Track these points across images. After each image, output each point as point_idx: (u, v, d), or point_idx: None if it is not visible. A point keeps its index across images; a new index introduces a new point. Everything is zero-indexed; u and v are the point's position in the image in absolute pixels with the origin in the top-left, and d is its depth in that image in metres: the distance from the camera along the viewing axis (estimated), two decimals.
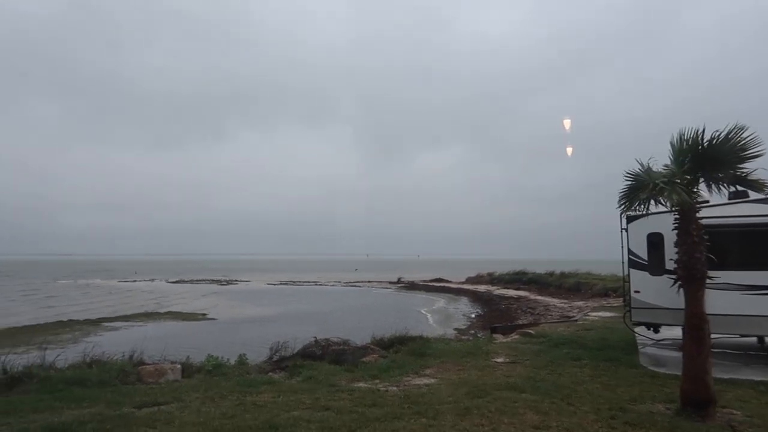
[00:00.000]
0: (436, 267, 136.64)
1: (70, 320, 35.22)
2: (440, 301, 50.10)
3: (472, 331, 26.90)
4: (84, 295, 60.20)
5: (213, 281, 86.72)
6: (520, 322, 26.06)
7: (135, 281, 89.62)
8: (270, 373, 10.62)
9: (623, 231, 13.14)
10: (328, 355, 11.77)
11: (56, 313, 39.86)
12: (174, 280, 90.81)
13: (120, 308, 43.92)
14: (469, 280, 66.15)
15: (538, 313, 31.62)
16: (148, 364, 10.40)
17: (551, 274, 50.03)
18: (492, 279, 61.35)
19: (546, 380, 9.44)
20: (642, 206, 7.74)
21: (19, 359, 10.35)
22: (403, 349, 12.56)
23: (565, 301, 36.09)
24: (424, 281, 73.53)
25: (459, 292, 57.51)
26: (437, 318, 37.30)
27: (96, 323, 34.19)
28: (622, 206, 7.96)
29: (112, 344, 13.39)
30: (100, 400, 8.02)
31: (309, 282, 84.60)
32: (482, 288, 55.80)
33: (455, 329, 28.85)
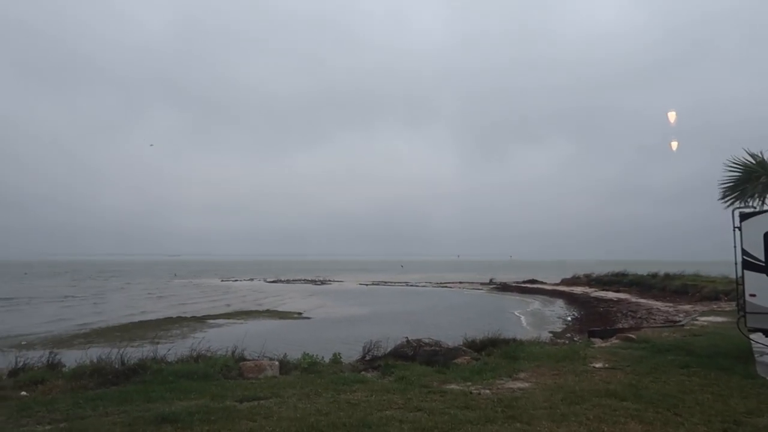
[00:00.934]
0: (529, 268, 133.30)
1: (179, 317, 37.69)
2: (534, 303, 48.85)
3: (568, 335, 26.00)
4: (192, 293, 64.23)
5: (308, 281, 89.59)
6: (620, 326, 24.86)
7: (236, 280, 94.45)
8: (363, 372, 10.78)
9: (736, 230, 12.13)
10: (419, 356, 11.77)
11: (171, 309, 42.86)
12: (271, 279, 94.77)
13: (222, 306, 46.45)
14: (565, 282, 64.07)
15: (639, 317, 30.11)
16: (249, 360, 10.90)
17: (654, 275, 47.45)
18: (589, 280, 59.13)
19: (649, 388, 8.90)
20: (759, 201, 7.11)
21: (134, 352, 11.20)
22: (495, 352, 12.33)
23: (670, 304, 34.13)
24: (517, 282, 72.04)
25: (554, 293, 55.88)
26: (531, 320, 36.37)
27: (201, 320, 36.34)
28: (728, 200, 7.32)
29: (215, 340, 14.15)
30: (206, 393, 8.49)
31: (400, 282, 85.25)
32: (579, 290, 53.89)
33: (550, 332, 27.97)
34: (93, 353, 11.00)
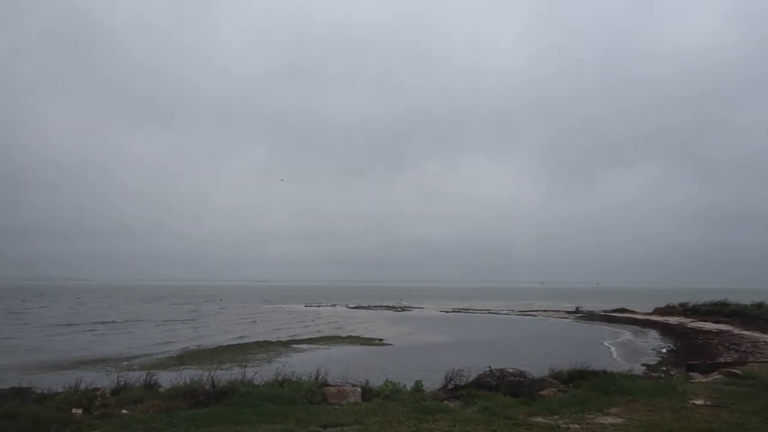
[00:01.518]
0: (617, 296, 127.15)
1: (266, 341, 38.83)
2: (625, 334, 46.47)
3: (664, 368, 24.51)
4: (279, 318, 66.13)
5: (389, 308, 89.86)
6: (722, 359, 23.18)
7: (319, 305, 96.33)
8: (445, 401, 10.64)
9: None
10: (503, 386, 11.47)
11: (261, 334, 44.35)
12: (353, 305, 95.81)
13: (306, 331, 47.44)
14: (658, 311, 60.60)
15: (744, 351, 27.98)
16: (332, 386, 11.04)
17: (759, 305, 44.06)
18: (685, 310, 55.71)
19: (758, 429, 8.19)
20: None
21: (224, 375, 11.66)
22: (584, 384, 11.78)
23: None
24: (605, 311, 68.95)
25: (646, 323, 52.99)
26: (622, 352, 34.58)
27: (286, 345, 37.26)
28: None
29: (300, 365, 14.47)
30: (291, 418, 8.67)
31: (482, 310, 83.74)
32: (673, 320, 50.88)
33: (643, 365, 26.48)
34: (186, 375, 11.57)
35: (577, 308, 75.93)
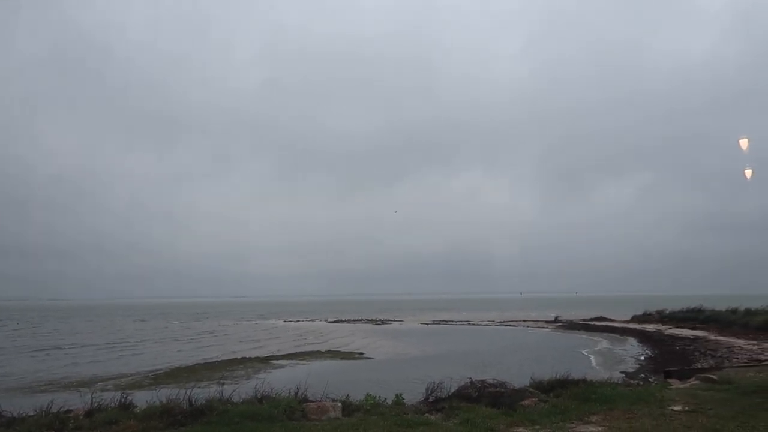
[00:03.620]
0: (596, 305, 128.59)
1: (243, 358, 38.30)
2: (603, 342, 46.95)
3: (642, 375, 24.77)
4: (257, 334, 65.34)
5: (369, 321, 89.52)
6: (698, 365, 23.50)
7: (299, 321, 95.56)
8: (426, 414, 10.56)
9: None
10: (484, 398, 11.43)
11: (237, 350, 43.72)
12: (333, 320, 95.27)
13: (286, 347, 46.95)
14: (635, 319, 61.38)
15: (720, 356, 28.40)
16: (312, 402, 10.88)
17: (734, 311, 44.82)
18: (662, 317, 56.57)
19: None
20: None
21: (201, 393, 11.42)
22: (564, 393, 11.80)
23: (754, 342, 32.10)
24: (584, 320, 69.62)
25: (624, 331, 53.63)
26: (601, 360, 34.88)
27: (265, 361, 36.80)
28: None
29: (278, 381, 14.27)
30: None
31: (462, 321, 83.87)
32: (651, 327, 51.58)
33: (622, 373, 26.70)
34: (162, 394, 11.29)
35: (556, 318, 76.56)
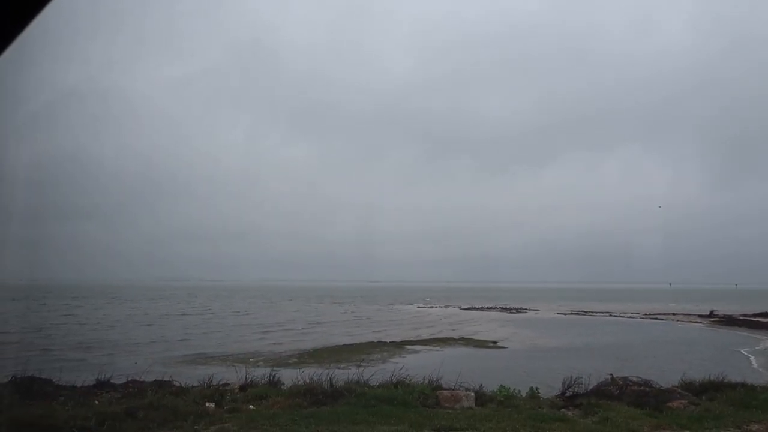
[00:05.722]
0: (762, 299, 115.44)
1: (380, 341, 39.63)
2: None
3: None
4: (392, 318, 67.28)
5: (503, 309, 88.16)
6: None
7: (432, 307, 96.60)
8: (562, 410, 10.29)
9: None
10: (626, 396, 10.88)
11: (373, 333, 45.48)
12: (466, 307, 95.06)
13: (419, 332, 47.80)
14: None
15: None
16: (445, 390, 11.07)
17: None
18: None
19: None
20: None
21: (341, 374, 12.11)
22: (719, 397, 10.87)
23: None
24: (746, 315, 62.85)
25: None
26: (764, 361, 31.39)
27: (400, 345, 37.80)
28: None
29: (412, 366, 14.62)
30: (405, 420, 8.81)
31: (603, 312, 79.67)
32: None
33: None
34: (306, 374, 12.14)
35: (711, 312, 69.83)
